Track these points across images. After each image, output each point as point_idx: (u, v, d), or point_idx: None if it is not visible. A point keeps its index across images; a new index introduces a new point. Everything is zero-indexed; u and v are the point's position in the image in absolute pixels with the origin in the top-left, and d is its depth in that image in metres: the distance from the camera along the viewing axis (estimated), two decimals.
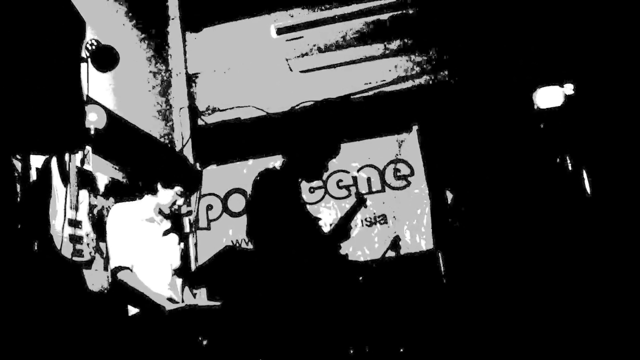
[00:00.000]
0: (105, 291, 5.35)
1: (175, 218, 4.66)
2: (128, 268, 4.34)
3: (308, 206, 4.84)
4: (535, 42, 6.88)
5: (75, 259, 4.20)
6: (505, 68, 6.98)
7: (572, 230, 6.24)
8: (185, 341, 4.17)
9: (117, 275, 4.33)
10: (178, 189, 4.53)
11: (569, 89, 6.47)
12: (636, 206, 6.15)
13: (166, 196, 4.55)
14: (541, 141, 6.63)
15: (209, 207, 7.68)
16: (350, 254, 6.48)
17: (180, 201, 4.55)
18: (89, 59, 4.33)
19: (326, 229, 5.49)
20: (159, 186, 4.57)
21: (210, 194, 7.68)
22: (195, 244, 7.38)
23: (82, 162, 4.85)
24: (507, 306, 6.12)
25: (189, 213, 4.58)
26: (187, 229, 4.57)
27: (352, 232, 4.87)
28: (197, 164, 7.52)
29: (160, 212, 4.62)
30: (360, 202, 4.91)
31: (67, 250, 4.15)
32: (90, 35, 4.40)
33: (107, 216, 4.62)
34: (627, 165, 6.34)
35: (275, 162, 4.55)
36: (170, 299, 4.38)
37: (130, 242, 4.41)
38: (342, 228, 4.71)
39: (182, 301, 4.54)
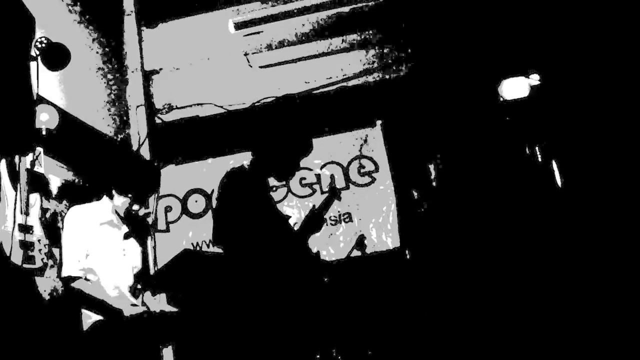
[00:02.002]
0: (59, 299, 5.18)
1: (133, 221, 4.52)
2: (81, 278, 4.19)
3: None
4: (499, 33, 6.84)
5: (26, 265, 4.09)
6: (469, 60, 6.93)
7: (544, 222, 6.21)
8: (145, 347, 4.12)
9: (72, 284, 4.18)
10: (133, 191, 4.38)
11: (534, 79, 6.45)
12: (607, 196, 6.13)
13: (121, 199, 4.40)
14: (509, 133, 6.60)
15: (168, 209, 7.54)
16: (319, 255, 6.40)
17: (136, 206, 4.40)
18: (39, 57, 4.18)
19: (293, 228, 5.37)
20: (114, 190, 4.42)
21: (168, 195, 7.53)
22: (154, 247, 7.20)
23: (33, 164, 4.69)
24: (477, 303, 6.07)
25: (147, 215, 4.47)
26: (145, 232, 4.44)
27: (322, 226, 4.74)
28: (155, 164, 7.35)
29: (117, 214, 4.47)
30: (334, 194, 4.80)
31: (17, 257, 4.03)
32: (40, 33, 4.25)
33: (60, 220, 4.47)
34: (596, 155, 6.32)
35: (237, 160, 4.40)
36: (131, 305, 4.25)
37: (88, 247, 4.27)
38: (315, 220, 4.57)
39: (142, 306, 4.40)
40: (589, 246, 5.95)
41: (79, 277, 4.18)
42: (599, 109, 6.40)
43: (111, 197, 4.46)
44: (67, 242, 4.28)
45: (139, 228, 4.53)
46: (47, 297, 5.02)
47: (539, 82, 6.48)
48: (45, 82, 5.59)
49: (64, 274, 4.19)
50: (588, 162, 6.34)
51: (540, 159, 6.35)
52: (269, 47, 7.53)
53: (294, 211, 7.21)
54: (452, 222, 6.63)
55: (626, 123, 6.31)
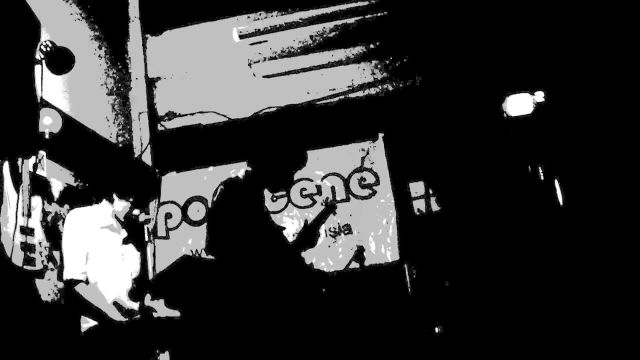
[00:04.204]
0: (59, 302, 5.19)
1: (133, 226, 4.53)
2: (82, 281, 4.21)
3: (271, 215, 4.71)
4: (505, 49, 6.84)
5: (26, 267, 4.10)
6: (474, 75, 6.92)
7: (545, 240, 6.20)
8: (142, 352, 4.15)
9: (73, 287, 4.21)
10: (133, 197, 4.38)
11: (539, 96, 6.45)
12: (609, 215, 6.12)
13: (122, 204, 4.42)
14: (512, 150, 6.59)
15: (168, 216, 7.53)
16: (313, 266, 6.38)
17: (137, 210, 4.41)
18: (44, 61, 4.18)
19: (290, 238, 5.36)
20: (114, 195, 4.44)
21: (169, 202, 7.53)
22: (154, 254, 7.14)
23: (35, 167, 4.69)
24: (476, 319, 6.05)
25: (147, 221, 4.48)
26: (145, 238, 4.45)
27: (317, 241, 4.74)
28: (156, 171, 7.35)
29: (117, 219, 4.48)
30: (330, 208, 4.79)
31: (18, 259, 4.03)
32: (45, 37, 4.26)
33: (61, 223, 4.48)
34: (599, 174, 6.31)
35: (237, 169, 4.40)
36: (129, 310, 4.28)
37: (88, 250, 4.31)
38: (309, 234, 4.57)
39: (140, 312, 4.39)
40: (590, 264, 5.94)
41: (81, 281, 4.21)
42: (603, 127, 6.40)
43: (111, 201, 4.47)
44: (68, 244, 4.31)
45: (138, 233, 4.54)
46: (47, 300, 5.02)
47: (543, 100, 6.47)
48: (50, 86, 5.55)
49: (66, 276, 4.21)
50: (591, 181, 6.34)
51: (542, 177, 6.35)
52: (273, 57, 7.52)
53: (294, 222, 7.19)
54: (453, 237, 6.63)
55: (630, 143, 6.31)
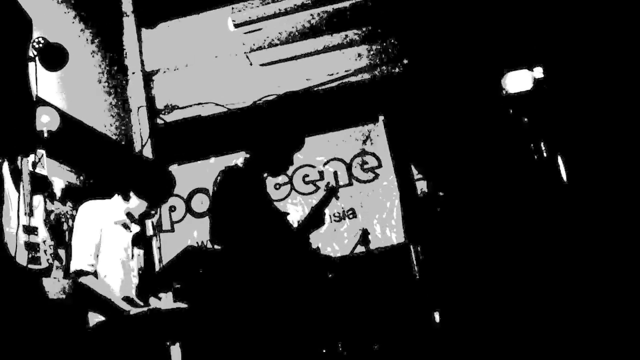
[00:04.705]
0: (67, 300, 5.18)
1: (143, 223, 4.54)
2: (90, 273, 4.20)
3: (274, 203, 4.70)
4: (502, 26, 6.78)
5: (31, 266, 4.07)
6: (473, 53, 6.87)
7: (550, 217, 6.17)
8: (152, 346, 4.15)
9: (80, 279, 4.19)
10: (151, 195, 4.43)
11: (538, 72, 6.40)
12: (613, 191, 6.09)
13: (137, 201, 4.45)
14: (513, 127, 6.55)
15: (172, 209, 7.54)
16: (320, 250, 6.38)
17: (153, 210, 4.44)
18: (37, 58, 4.16)
19: (295, 225, 5.36)
20: (132, 193, 4.46)
21: (172, 195, 7.50)
22: (159, 247, 7.20)
23: (35, 165, 4.67)
24: (483, 298, 6.04)
25: (152, 216, 4.48)
26: (150, 232, 4.46)
27: (322, 225, 4.74)
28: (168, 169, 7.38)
29: (130, 215, 4.49)
30: (331, 191, 4.78)
31: (22, 258, 4.00)
32: (37, 34, 4.23)
33: (65, 222, 4.47)
34: (602, 149, 6.27)
35: (239, 159, 4.39)
36: (136, 303, 4.27)
37: (98, 244, 4.29)
38: (314, 219, 4.57)
39: (148, 304, 4.41)
40: (595, 241, 5.92)
41: (89, 272, 4.20)
42: (604, 101, 6.36)
43: (127, 198, 4.46)
44: (78, 236, 4.29)
45: (143, 228, 4.55)
46: (54, 298, 5.02)
47: (542, 75, 6.43)
48: (46, 84, 5.60)
49: (74, 267, 4.19)
50: (594, 156, 6.30)
51: (545, 154, 6.30)
52: (269, 44, 7.46)
53: (298, 208, 7.20)
54: (457, 217, 6.61)
55: (632, 115, 6.27)
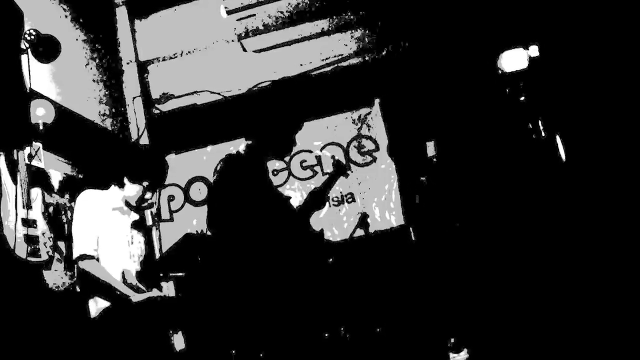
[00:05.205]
0: (68, 289, 5.19)
1: (141, 210, 4.53)
2: (93, 257, 4.19)
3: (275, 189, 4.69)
4: (496, 4, 6.75)
5: (30, 259, 4.08)
6: (467, 33, 6.85)
7: (548, 197, 6.16)
8: (155, 333, 4.13)
9: (81, 263, 4.17)
10: (145, 182, 4.39)
11: (533, 50, 6.37)
12: (612, 170, 6.08)
13: (133, 188, 4.41)
14: (510, 106, 6.52)
15: (171, 198, 7.55)
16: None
17: (149, 195, 4.42)
18: (29, 50, 4.15)
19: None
20: (126, 180, 4.42)
21: (171, 184, 7.53)
22: (159, 237, 7.21)
23: (31, 158, 4.67)
24: (483, 280, 6.04)
25: (151, 205, 4.47)
26: (149, 222, 4.45)
27: (324, 206, 4.73)
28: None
29: (127, 203, 4.48)
30: (340, 169, 4.72)
31: (21, 251, 4.02)
32: (28, 27, 4.21)
33: (63, 214, 4.47)
34: (600, 127, 6.26)
35: (236, 146, 4.37)
36: (137, 288, 4.25)
37: (98, 231, 4.27)
38: (317, 197, 4.55)
39: (148, 292, 4.40)
40: (594, 219, 5.91)
41: (92, 257, 4.18)
42: (600, 78, 6.34)
43: (122, 185, 4.46)
44: (79, 222, 4.28)
45: (144, 217, 4.54)
46: (55, 290, 5.03)
47: (538, 54, 6.40)
48: (40, 77, 5.59)
49: (78, 252, 4.18)
50: (592, 134, 6.28)
51: (543, 132, 6.28)
52: (263, 30, 7.42)
53: (296, 194, 7.19)
54: (455, 198, 6.60)
55: (629, 92, 6.25)
